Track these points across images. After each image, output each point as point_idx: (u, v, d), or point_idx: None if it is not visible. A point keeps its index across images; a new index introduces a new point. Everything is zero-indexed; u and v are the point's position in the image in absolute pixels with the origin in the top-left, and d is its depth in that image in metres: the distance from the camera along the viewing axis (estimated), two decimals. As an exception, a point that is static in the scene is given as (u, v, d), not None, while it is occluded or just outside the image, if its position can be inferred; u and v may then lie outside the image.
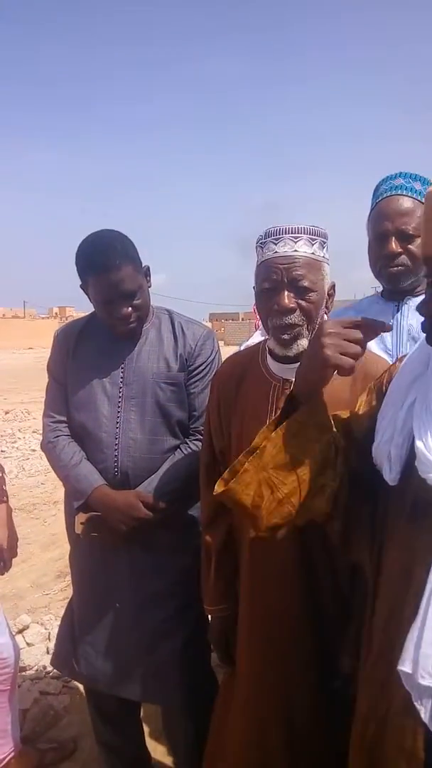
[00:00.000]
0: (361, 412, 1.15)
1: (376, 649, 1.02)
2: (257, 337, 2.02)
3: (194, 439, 1.75)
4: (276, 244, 1.30)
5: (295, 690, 1.37)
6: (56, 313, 64.73)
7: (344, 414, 1.17)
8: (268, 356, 1.44)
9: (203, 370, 1.78)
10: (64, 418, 1.82)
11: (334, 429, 1.10)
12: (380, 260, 1.67)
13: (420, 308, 0.95)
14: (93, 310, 1.78)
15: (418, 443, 0.92)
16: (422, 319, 0.96)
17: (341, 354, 0.99)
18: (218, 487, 1.09)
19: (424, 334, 0.99)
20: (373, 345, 1.68)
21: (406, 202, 1.62)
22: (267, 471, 1.05)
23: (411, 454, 0.95)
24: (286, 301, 1.29)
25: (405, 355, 1.11)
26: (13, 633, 2.86)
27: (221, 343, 1.87)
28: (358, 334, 1.01)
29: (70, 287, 1.71)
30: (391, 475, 0.98)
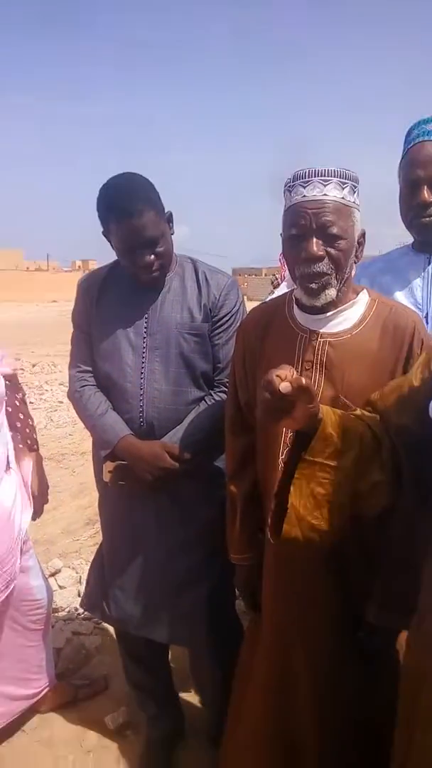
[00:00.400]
0: (421, 378, 1.14)
1: (428, 604, 1.03)
2: (283, 289, 1.98)
3: (219, 391, 1.74)
4: (305, 188, 1.24)
5: (319, 637, 1.39)
6: (79, 266, 64.53)
7: (391, 392, 1.17)
8: (295, 306, 1.41)
9: (228, 320, 1.75)
10: (90, 368, 1.82)
11: (364, 426, 1.12)
12: (411, 210, 1.60)
13: None
14: (116, 258, 1.75)
15: None
16: None
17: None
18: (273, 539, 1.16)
19: None
20: (402, 298, 1.62)
21: None
22: (305, 521, 1.09)
23: None
24: (315, 248, 1.24)
25: None
26: (46, 576, 2.99)
27: (244, 298, 1.84)
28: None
29: (93, 240, 1.68)
30: None
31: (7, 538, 1.81)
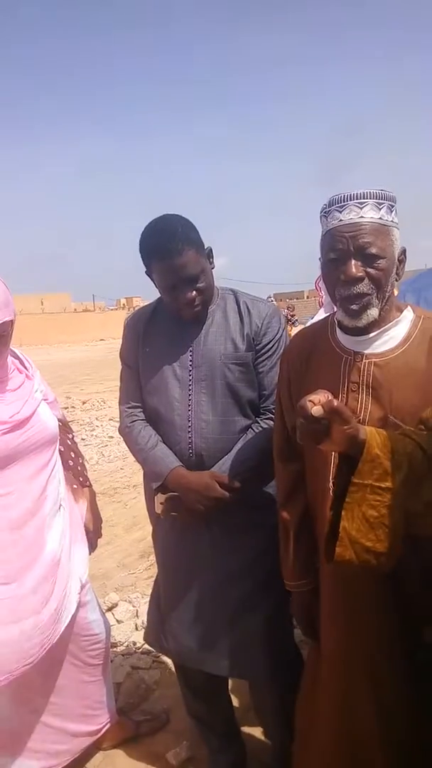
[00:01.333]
0: None
1: None
2: (321, 315, 1.99)
3: (265, 418, 1.75)
4: (341, 212, 1.26)
5: (380, 663, 1.35)
6: (124, 304, 66.19)
7: None
8: (338, 329, 1.41)
9: (271, 348, 1.77)
10: (139, 404, 1.86)
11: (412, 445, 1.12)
12: None
13: None
14: (159, 296, 1.81)
15: None
16: None
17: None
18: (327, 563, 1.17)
19: None
20: None
21: None
22: (358, 543, 1.10)
23: None
24: (354, 270, 1.25)
25: None
26: (103, 611, 3.02)
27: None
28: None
29: (136, 277, 1.75)
30: None
31: (56, 577, 1.83)
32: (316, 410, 1.05)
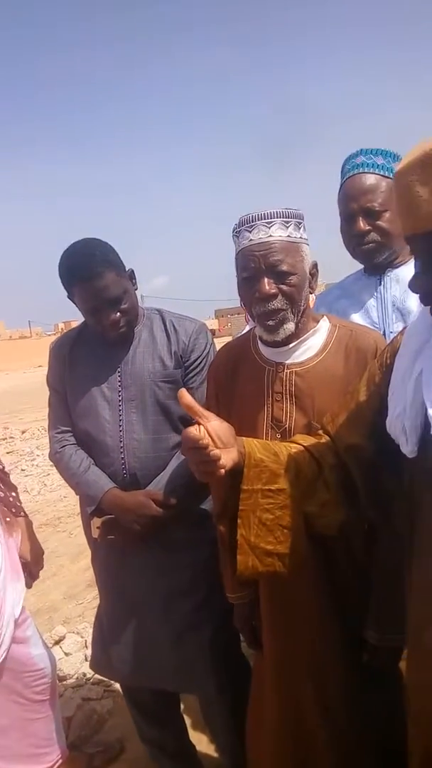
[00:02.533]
0: (368, 393, 1.17)
1: (418, 619, 1.03)
2: (247, 329, 2.04)
3: (198, 433, 1.77)
4: (250, 232, 1.31)
5: (323, 668, 1.38)
6: (62, 329, 65.09)
7: (340, 411, 1.20)
8: (259, 342, 1.45)
9: (199, 364, 1.79)
10: (68, 428, 1.84)
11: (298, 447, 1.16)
12: (352, 240, 1.69)
13: (411, 286, 0.95)
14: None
15: (431, 412, 0.93)
16: (405, 289, 0.97)
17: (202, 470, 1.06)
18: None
19: (410, 307, 1.01)
20: (359, 319, 1.69)
21: (369, 179, 1.63)
22: (258, 548, 1.11)
23: (426, 425, 0.96)
24: (267, 287, 1.30)
25: (404, 329, 1.13)
26: (51, 644, 2.92)
27: (230, 338, 1.89)
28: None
29: (72, 303, 1.75)
30: (408, 447, 1.00)
31: None
32: (201, 437, 1.03)
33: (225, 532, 1.53)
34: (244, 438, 1.13)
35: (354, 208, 1.64)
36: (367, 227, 1.63)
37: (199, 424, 1.05)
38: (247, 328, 2.20)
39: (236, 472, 1.09)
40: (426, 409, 0.95)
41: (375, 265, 1.70)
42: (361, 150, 1.66)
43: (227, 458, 1.06)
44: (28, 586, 2.04)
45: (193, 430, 1.03)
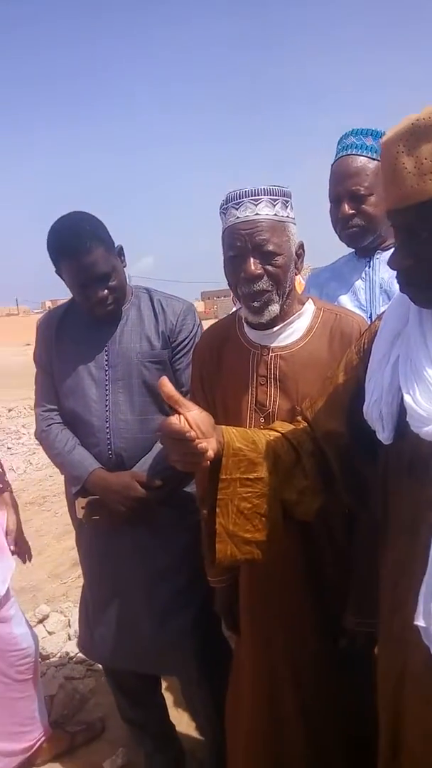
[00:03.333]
0: (345, 378, 1.15)
1: (389, 604, 1.03)
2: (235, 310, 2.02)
3: (184, 415, 1.75)
4: (237, 209, 1.28)
5: (300, 652, 1.39)
6: (48, 307, 64.49)
7: (319, 397, 1.18)
8: (245, 324, 1.43)
9: (187, 344, 1.77)
10: (55, 407, 1.82)
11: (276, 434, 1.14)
12: (339, 222, 1.67)
13: (390, 263, 0.93)
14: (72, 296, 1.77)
15: (407, 398, 0.92)
16: (393, 272, 0.95)
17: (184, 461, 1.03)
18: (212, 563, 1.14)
19: (398, 290, 0.98)
20: (347, 301, 1.67)
21: (356, 162, 1.60)
22: (237, 536, 1.09)
23: (402, 411, 0.95)
24: (252, 267, 1.27)
25: (383, 313, 1.11)
26: (34, 623, 2.92)
27: (215, 320, 1.86)
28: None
29: (61, 280, 1.70)
30: (384, 434, 0.98)
31: None
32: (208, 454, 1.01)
33: (206, 518, 1.52)
34: (222, 427, 1.10)
35: (339, 191, 1.62)
36: (351, 211, 1.61)
37: (178, 413, 1.01)
38: (234, 309, 2.18)
39: (215, 461, 1.07)
40: (402, 396, 0.94)
41: (361, 248, 1.69)
42: (353, 130, 1.63)
43: (209, 448, 1.03)
44: (23, 562, 2.03)
45: (174, 421, 1.00)
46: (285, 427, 1.19)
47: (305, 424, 1.18)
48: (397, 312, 1.02)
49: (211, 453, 1.02)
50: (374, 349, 1.05)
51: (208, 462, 1.03)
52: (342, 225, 1.65)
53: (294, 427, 1.18)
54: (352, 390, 1.10)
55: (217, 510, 1.08)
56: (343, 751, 1.38)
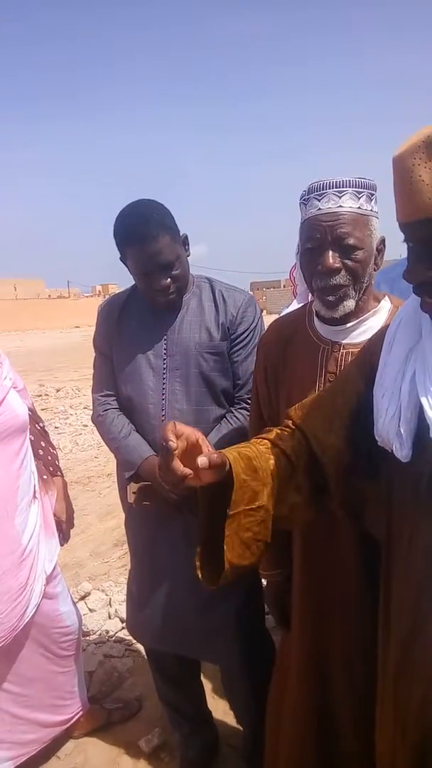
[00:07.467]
0: (345, 392, 1.11)
1: (407, 628, 1.00)
2: (295, 306, 1.97)
3: (240, 408, 1.74)
4: (319, 200, 1.24)
5: (352, 653, 1.35)
6: (99, 291, 65.45)
7: (317, 404, 1.14)
8: (315, 318, 1.40)
9: (246, 337, 1.75)
10: (112, 392, 1.84)
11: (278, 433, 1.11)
12: None
13: (407, 276, 0.90)
14: (134, 283, 1.78)
15: (430, 413, 0.88)
16: None
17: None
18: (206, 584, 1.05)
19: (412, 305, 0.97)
20: None
21: None
22: (238, 567, 1.02)
23: (420, 428, 0.92)
24: (331, 261, 1.23)
25: (382, 327, 1.08)
26: (76, 600, 2.99)
27: (263, 312, 1.83)
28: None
29: (112, 264, 1.71)
30: (403, 451, 0.94)
31: (21, 574, 1.79)
32: (202, 461, 0.93)
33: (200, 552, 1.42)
34: (227, 453, 1.02)
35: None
36: None
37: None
38: (294, 303, 2.13)
39: (213, 491, 1.01)
40: (420, 412, 0.91)
41: None
42: None
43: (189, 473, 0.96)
44: (61, 544, 2.08)
45: (170, 427, 0.97)
46: (282, 438, 1.12)
47: (299, 433, 1.12)
48: (406, 330, 1.00)
49: (207, 479, 0.96)
50: (385, 367, 1.01)
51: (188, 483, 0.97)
52: None
53: (289, 436, 1.12)
54: (353, 406, 1.07)
55: (225, 547, 0.99)
56: None
